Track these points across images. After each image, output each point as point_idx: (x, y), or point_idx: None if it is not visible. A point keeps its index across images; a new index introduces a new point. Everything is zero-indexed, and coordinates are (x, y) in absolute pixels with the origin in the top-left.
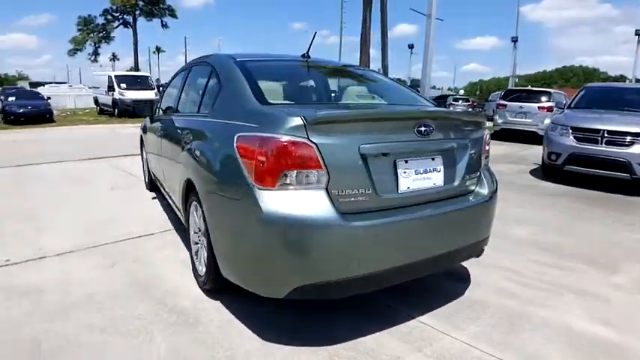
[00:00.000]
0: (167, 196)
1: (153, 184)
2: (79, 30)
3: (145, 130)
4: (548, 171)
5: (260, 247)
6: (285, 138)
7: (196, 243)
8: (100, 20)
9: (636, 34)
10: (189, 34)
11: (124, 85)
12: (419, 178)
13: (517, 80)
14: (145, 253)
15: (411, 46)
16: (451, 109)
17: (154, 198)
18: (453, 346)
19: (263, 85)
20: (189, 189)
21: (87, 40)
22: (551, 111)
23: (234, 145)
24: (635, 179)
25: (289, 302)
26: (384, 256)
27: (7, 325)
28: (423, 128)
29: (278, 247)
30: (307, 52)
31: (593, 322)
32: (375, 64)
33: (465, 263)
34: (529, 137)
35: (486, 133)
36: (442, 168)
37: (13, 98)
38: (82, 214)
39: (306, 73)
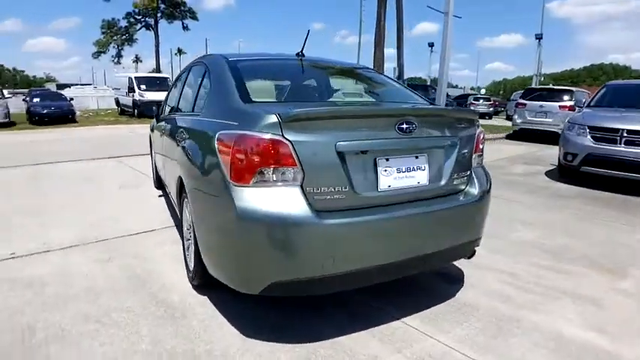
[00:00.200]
0: (169, 193)
1: (159, 182)
2: (103, 33)
3: (152, 129)
4: (564, 172)
5: (235, 242)
6: (259, 135)
7: (188, 239)
8: (123, 23)
9: None
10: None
11: (143, 87)
12: (401, 176)
13: (542, 79)
14: (145, 249)
15: (431, 45)
16: (437, 106)
17: (160, 196)
18: (434, 348)
19: (250, 83)
20: (181, 186)
21: (110, 43)
22: (573, 110)
23: (215, 142)
24: None
25: (277, 300)
26: (362, 254)
27: (5, 314)
28: (404, 126)
29: (252, 244)
30: (301, 51)
31: (586, 328)
32: (391, 63)
33: (460, 265)
34: (549, 138)
35: (479, 131)
36: (427, 166)
37: (38, 99)
38: (88, 211)
39: (297, 72)
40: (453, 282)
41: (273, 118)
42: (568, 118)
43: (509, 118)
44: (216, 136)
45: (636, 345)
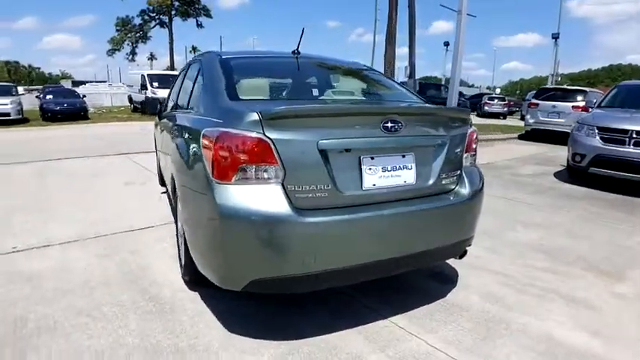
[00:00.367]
0: (167, 190)
1: (162, 179)
2: (118, 30)
3: (155, 126)
4: (573, 173)
5: (217, 239)
6: (240, 133)
7: (181, 235)
8: (138, 21)
9: None
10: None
11: (156, 84)
12: (387, 175)
13: (560, 79)
14: (143, 245)
15: (446, 44)
16: (425, 105)
17: (163, 193)
18: (418, 348)
19: (240, 81)
20: (175, 182)
21: (125, 41)
22: (587, 111)
23: (200, 139)
24: None
25: (266, 297)
26: (345, 253)
27: (1, 306)
28: (389, 124)
29: (233, 241)
30: (297, 49)
31: (578, 332)
32: (405, 61)
33: (454, 264)
34: (562, 138)
35: (471, 131)
36: (414, 165)
37: (51, 96)
38: (92, 207)
39: (290, 70)
40: (446, 282)
41: (254, 116)
42: (577, 119)
43: (523, 118)
44: (201, 133)
45: (628, 349)
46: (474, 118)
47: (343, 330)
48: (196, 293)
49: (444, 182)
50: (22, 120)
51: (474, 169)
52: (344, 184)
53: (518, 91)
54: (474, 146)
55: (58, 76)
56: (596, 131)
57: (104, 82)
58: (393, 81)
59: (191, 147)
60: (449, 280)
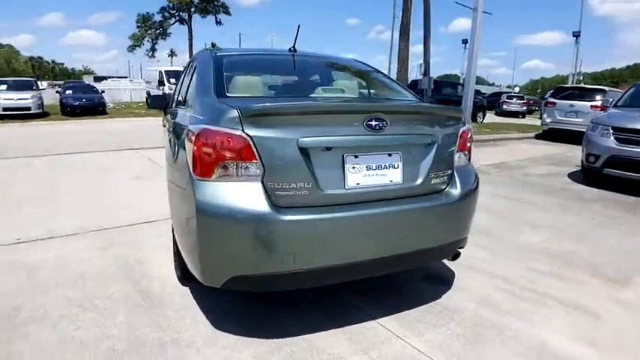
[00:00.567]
0: None
1: None
2: (138, 27)
3: (162, 122)
4: (587, 174)
5: (197, 236)
6: (219, 130)
7: (172, 231)
8: (158, 17)
9: None
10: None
11: (173, 80)
12: (371, 174)
13: (582, 78)
14: (143, 239)
15: (465, 42)
16: (414, 103)
17: None
18: (403, 351)
19: (229, 78)
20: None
21: (145, 37)
22: (604, 110)
23: (184, 136)
24: None
25: (257, 295)
26: (326, 252)
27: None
28: (373, 122)
29: (212, 237)
30: (293, 46)
31: (574, 340)
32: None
33: (453, 267)
34: (579, 138)
35: (464, 129)
36: (401, 164)
37: (70, 92)
38: (98, 201)
39: (283, 67)
40: (441, 284)
41: (234, 113)
42: (592, 118)
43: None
44: (186, 129)
45: None
46: (493, 117)
47: (328, 330)
48: (187, 289)
49: (433, 182)
50: (42, 114)
51: (467, 169)
52: (326, 183)
53: (539, 90)
54: (469, 145)
55: (80, 71)
56: (611, 131)
57: (125, 77)
58: (389, 79)
59: (178, 143)
60: (444, 282)
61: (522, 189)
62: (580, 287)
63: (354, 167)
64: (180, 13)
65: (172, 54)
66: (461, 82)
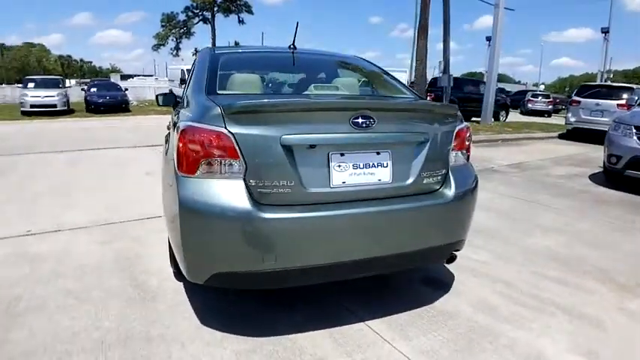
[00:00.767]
0: None
1: None
2: (163, 26)
3: None
4: (608, 176)
5: (180, 232)
6: (203, 127)
7: None
8: (182, 17)
9: None
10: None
11: None
12: (358, 172)
13: (612, 76)
14: (145, 233)
15: (488, 39)
16: (404, 100)
17: None
18: (389, 355)
19: (223, 76)
20: None
21: (169, 36)
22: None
23: (175, 133)
24: None
25: (247, 293)
26: (309, 251)
27: (1, 283)
28: (360, 120)
29: (194, 234)
30: (293, 43)
31: (573, 351)
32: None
33: (454, 270)
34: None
35: (461, 127)
36: (390, 163)
37: (95, 89)
38: (109, 195)
39: (279, 65)
40: (439, 288)
41: (216, 111)
42: (614, 118)
43: None
44: (176, 127)
45: None
46: (517, 116)
47: (314, 330)
48: (181, 284)
49: (425, 182)
50: (67, 111)
51: (464, 169)
52: (310, 181)
53: (567, 88)
54: (467, 144)
55: (108, 69)
56: (634, 131)
57: (151, 76)
58: (389, 76)
59: (170, 140)
60: (443, 285)
61: (538, 190)
62: (586, 294)
63: (339, 165)
64: (204, 12)
65: (196, 53)
66: (484, 79)
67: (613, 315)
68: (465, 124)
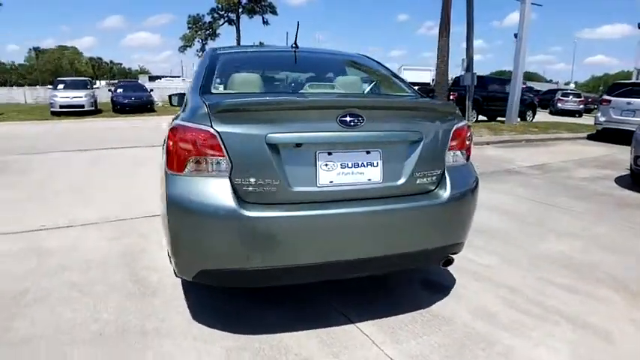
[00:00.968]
0: None
1: None
2: (189, 28)
3: None
4: (635, 178)
5: (168, 229)
6: (190, 125)
7: None
8: (208, 19)
9: None
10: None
11: None
12: (347, 172)
13: None
14: (153, 230)
15: (516, 36)
16: (396, 98)
17: None
18: (376, 358)
19: (220, 76)
20: None
21: (195, 38)
22: None
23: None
24: None
25: (241, 290)
26: (294, 250)
27: (10, 276)
28: (347, 119)
29: (180, 231)
30: (295, 42)
31: None
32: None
33: (456, 273)
34: None
35: (459, 126)
36: (380, 163)
37: (121, 90)
38: (123, 192)
39: (279, 64)
40: (438, 291)
41: (203, 110)
42: None
43: None
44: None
45: None
46: (546, 116)
47: (304, 330)
48: (179, 280)
49: (419, 182)
50: (95, 111)
51: (463, 169)
52: (296, 180)
53: (601, 87)
54: (467, 143)
55: (137, 71)
56: None
57: (178, 77)
58: (392, 74)
59: (165, 140)
60: (442, 289)
61: (558, 193)
62: (596, 303)
63: (326, 165)
64: (229, 13)
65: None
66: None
67: (622, 326)
68: (465, 122)
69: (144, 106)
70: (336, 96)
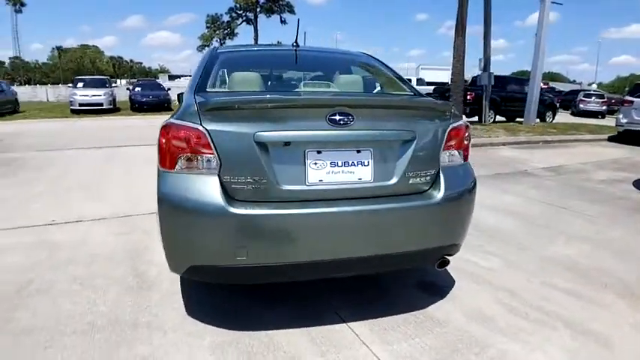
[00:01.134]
0: None
1: None
2: (208, 27)
3: None
4: None
5: (160, 224)
6: (179, 124)
7: None
8: (226, 18)
9: None
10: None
11: None
12: (337, 171)
13: None
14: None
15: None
16: (389, 96)
17: None
18: (364, 358)
19: (216, 75)
20: None
21: (213, 37)
22: None
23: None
24: None
25: (237, 286)
26: (282, 249)
27: (17, 267)
28: (337, 117)
29: (171, 227)
30: (295, 41)
31: None
32: (497, 55)
33: (455, 275)
34: None
35: (455, 126)
36: (371, 162)
37: (139, 89)
38: (133, 189)
39: (278, 63)
40: (434, 293)
41: (193, 108)
42: None
43: None
44: None
45: None
46: (567, 117)
47: (295, 328)
48: (177, 276)
49: (412, 182)
50: (113, 109)
51: (460, 169)
52: (284, 178)
53: (626, 88)
54: (465, 143)
55: (157, 70)
56: None
57: None
58: (393, 72)
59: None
60: (439, 291)
61: (572, 195)
62: (599, 309)
63: (315, 163)
64: (247, 13)
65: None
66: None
67: (624, 332)
68: (462, 122)
69: (161, 104)
70: (327, 95)
